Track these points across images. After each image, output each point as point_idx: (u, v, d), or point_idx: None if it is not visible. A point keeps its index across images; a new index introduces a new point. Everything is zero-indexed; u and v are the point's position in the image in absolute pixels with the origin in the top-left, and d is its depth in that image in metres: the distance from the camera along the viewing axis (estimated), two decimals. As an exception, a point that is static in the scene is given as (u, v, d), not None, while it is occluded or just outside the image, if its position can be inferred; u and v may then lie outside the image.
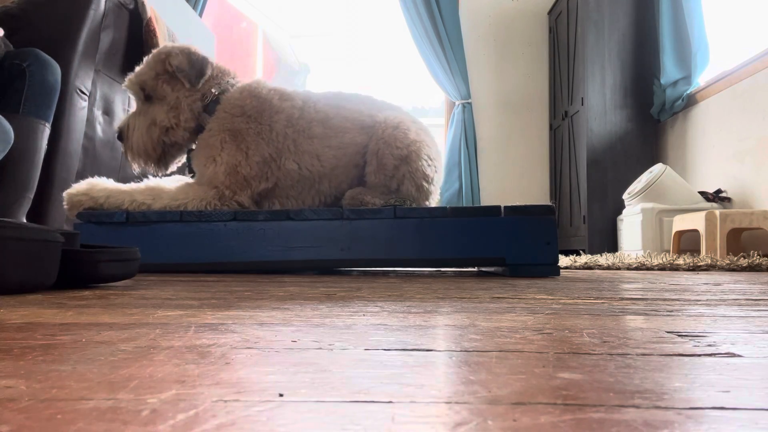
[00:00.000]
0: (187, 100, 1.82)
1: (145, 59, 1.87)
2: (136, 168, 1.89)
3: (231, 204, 1.76)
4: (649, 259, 2.44)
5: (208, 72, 1.84)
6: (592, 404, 0.28)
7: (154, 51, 1.87)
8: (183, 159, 1.97)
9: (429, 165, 1.84)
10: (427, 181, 1.85)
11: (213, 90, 1.85)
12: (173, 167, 1.95)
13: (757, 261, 2.26)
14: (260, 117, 1.80)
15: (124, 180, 2.07)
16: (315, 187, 1.86)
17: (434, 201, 1.93)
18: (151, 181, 1.80)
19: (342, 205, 1.83)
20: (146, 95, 1.84)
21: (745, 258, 2.40)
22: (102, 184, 1.74)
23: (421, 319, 0.60)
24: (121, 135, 1.87)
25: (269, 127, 1.80)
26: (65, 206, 1.72)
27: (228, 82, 1.89)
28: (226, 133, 1.78)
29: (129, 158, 1.88)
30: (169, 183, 1.81)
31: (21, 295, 0.83)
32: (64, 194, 1.72)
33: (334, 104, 1.89)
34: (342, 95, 1.94)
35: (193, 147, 1.89)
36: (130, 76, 1.86)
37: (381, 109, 1.91)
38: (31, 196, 1.78)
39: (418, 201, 1.85)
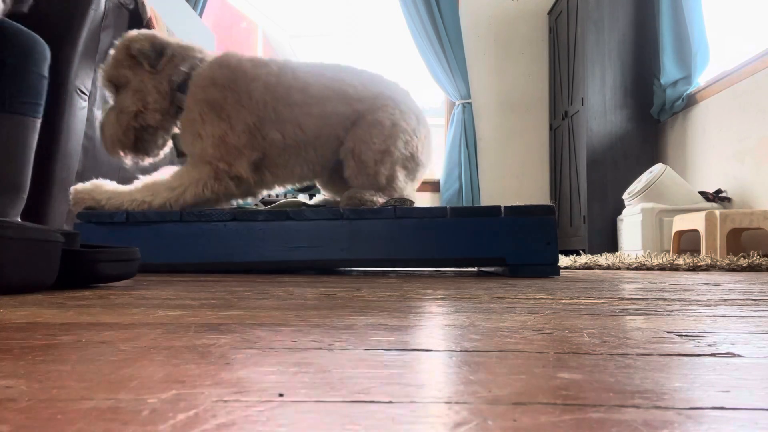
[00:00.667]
0: (152, 81, 1.81)
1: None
2: (126, 163, 1.89)
3: (227, 182, 1.75)
4: (649, 259, 2.44)
5: (168, 52, 1.82)
6: (592, 404, 0.28)
7: (117, 42, 1.86)
8: (165, 145, 1.95)
9: (407, 146, 1.86)
10: (413, 161, 1.88)
11: (182, 68, 1.83)
12: (157, 154, 1.93)
13: (757, 261, 2.26)
14: (234, 85, 1.78)
15: (125, 180, 2.07)
16: (302, 155, 1.86)
17: (424, 173, 1.96)
18: (148, 179, 1.80)
19: (339, 201, 1.84)
20: (116, 87, 1.85)
21: (745, 258, 2.40)
22: (106, 186, 1.75)
23: (421, 319, 0.60)
24: (101, 130, 1.88)
25: (248, 95, 1.78)
26: (71, 201, 1.74)
27: (195, 57, 1.87)
28: (203, 105, 1.77)
29: (106, 149, 1.87)
30: (164, 176, 1.81)
31: (21, 295, 0.83)
32: (71, 189, 1.74)
33: (314, 72, 1.87)
34: (322, 64, 1.92)
35: (176, 131, 1.89)
36: (100, 73, 1.86)
37: (362, 80, 1.90)
38: (25, 196, 1.75)
39: (409, 180, 1.88)
